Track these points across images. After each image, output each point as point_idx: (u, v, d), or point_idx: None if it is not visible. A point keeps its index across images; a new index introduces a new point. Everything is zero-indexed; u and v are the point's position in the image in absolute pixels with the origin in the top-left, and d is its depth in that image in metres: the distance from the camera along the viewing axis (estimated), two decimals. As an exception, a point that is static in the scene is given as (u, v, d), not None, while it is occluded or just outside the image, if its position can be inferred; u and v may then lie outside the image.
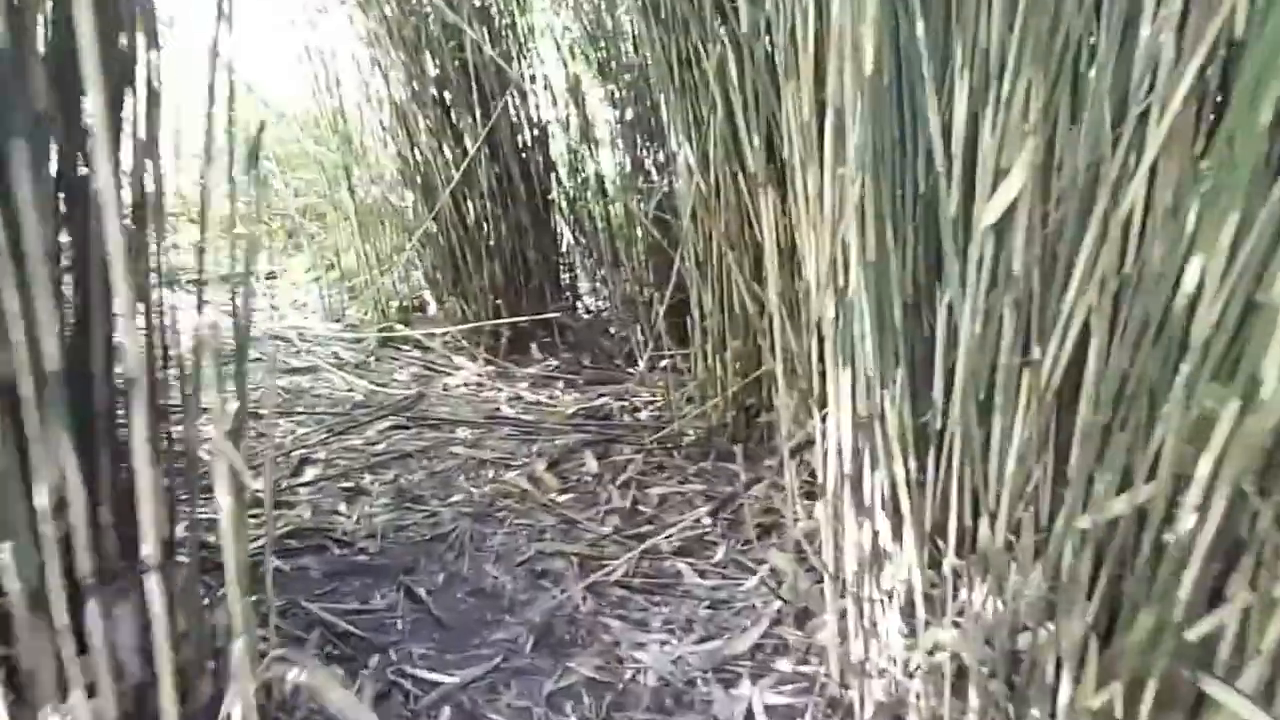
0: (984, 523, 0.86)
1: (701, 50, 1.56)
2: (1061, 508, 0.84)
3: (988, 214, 0.82)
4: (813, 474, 1.44)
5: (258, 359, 2.36)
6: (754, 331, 1.80)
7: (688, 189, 1.81)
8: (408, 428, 1.99)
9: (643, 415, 2.06)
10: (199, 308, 0.87)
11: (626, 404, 2.14)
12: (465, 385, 2.29)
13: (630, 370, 2.39)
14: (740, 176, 1.60)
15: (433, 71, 2.52)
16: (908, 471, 0.87)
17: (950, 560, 0.89)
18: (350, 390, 2.19)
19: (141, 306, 0.88)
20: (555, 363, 2.45)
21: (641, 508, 1.62)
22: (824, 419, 1.09)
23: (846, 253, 0.86)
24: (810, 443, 1.28)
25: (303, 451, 1.84)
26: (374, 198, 2.65)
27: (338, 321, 2.69)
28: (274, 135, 3.26)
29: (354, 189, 2.63)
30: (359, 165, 2.64)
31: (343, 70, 2.67)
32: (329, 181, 2.72)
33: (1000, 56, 0.81)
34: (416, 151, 2.53)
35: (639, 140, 2.70)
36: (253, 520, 1.55)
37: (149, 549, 0.72)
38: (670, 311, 2.40)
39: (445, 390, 2.25)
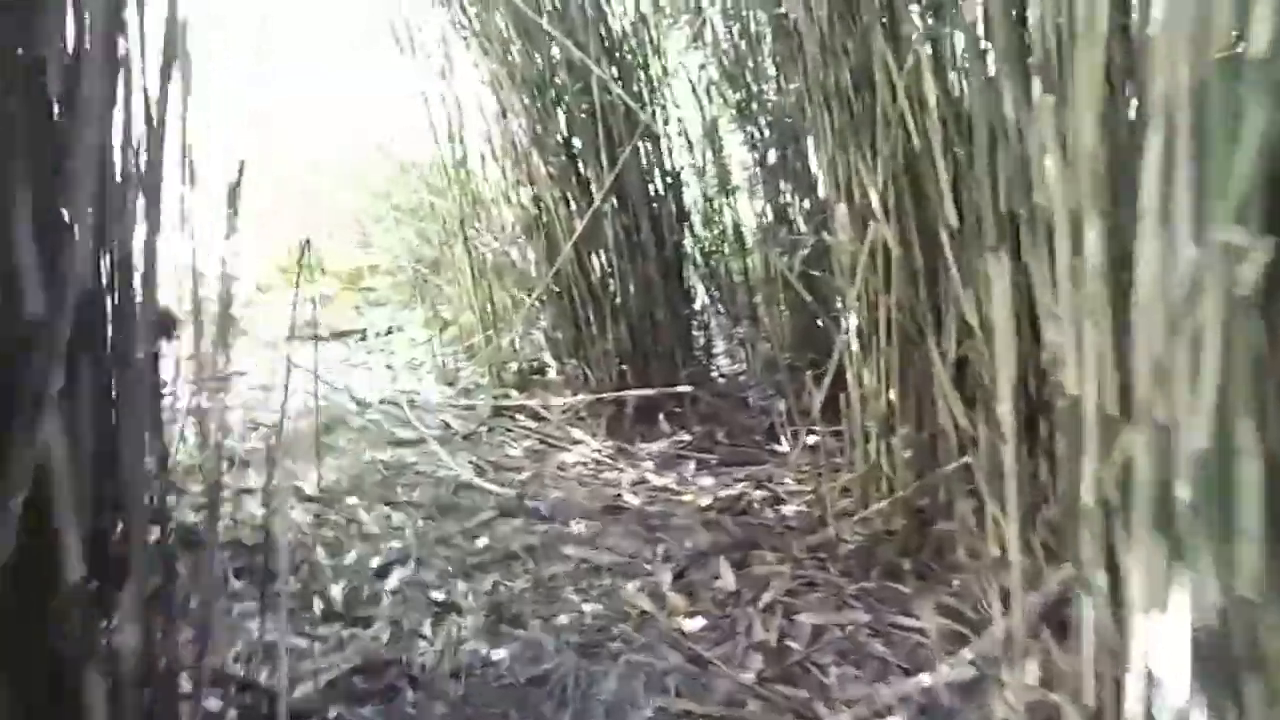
0: None
1: (889, 66, 1.21)
2: None
3: None
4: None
5: (363, 428, 2.13)
6: (930, 416, 1.43)
7: (846, 244, 1.46)
8: (515, 516, 1.69)
9: (788, 510, 1.70)
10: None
11: (768, 493, 1.79)
12: (583, 464, 1.99)
13: (773, 449, 2.04)
14: (930, 230, 1.25)
15: (558, 116, 2.27)
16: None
17: None
18: (456, 469, 1.92)
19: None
20: (686, 437, 2.12)
21: (790, 643, 1.26)
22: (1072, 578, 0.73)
23: (1167, 364, 0.51)
24: (1052, 610, 0.91)
25: (394, 545, 1.56)
26: (493, 251, 2.40)
27: (451, 385, 2.45)
28: (399, 185, 3.09)
29: (470, 242, 2.39)
30: (479, 217, 2.40)
31: (466, 116, 2.46)
32: (447, 234, 2.49)
33: None
34: (538, 202, 2.28)
35: (782, 187, 2.38)
36: (325, 641, 1.28)
37: None
38: (820, 380, 2.05)
39: (561, 470, 1.95)
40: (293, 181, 4.29)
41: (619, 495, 1.81)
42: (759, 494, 1.78)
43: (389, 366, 2.67)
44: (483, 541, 1.59)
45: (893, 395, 1.49)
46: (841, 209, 1.39)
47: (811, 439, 1.94)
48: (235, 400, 2.32)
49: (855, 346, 1.55)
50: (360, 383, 2.51)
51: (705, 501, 1.75)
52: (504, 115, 2.30)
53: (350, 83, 3.05)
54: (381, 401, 2.31)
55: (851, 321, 1.53)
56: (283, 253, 3.99)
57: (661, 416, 2.19)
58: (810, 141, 2.30)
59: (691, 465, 1.97)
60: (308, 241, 1.90)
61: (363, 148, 3.47)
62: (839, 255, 1.53)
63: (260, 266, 3.82)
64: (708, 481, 1.88)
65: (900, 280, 1.36)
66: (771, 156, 2.30)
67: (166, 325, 2.45)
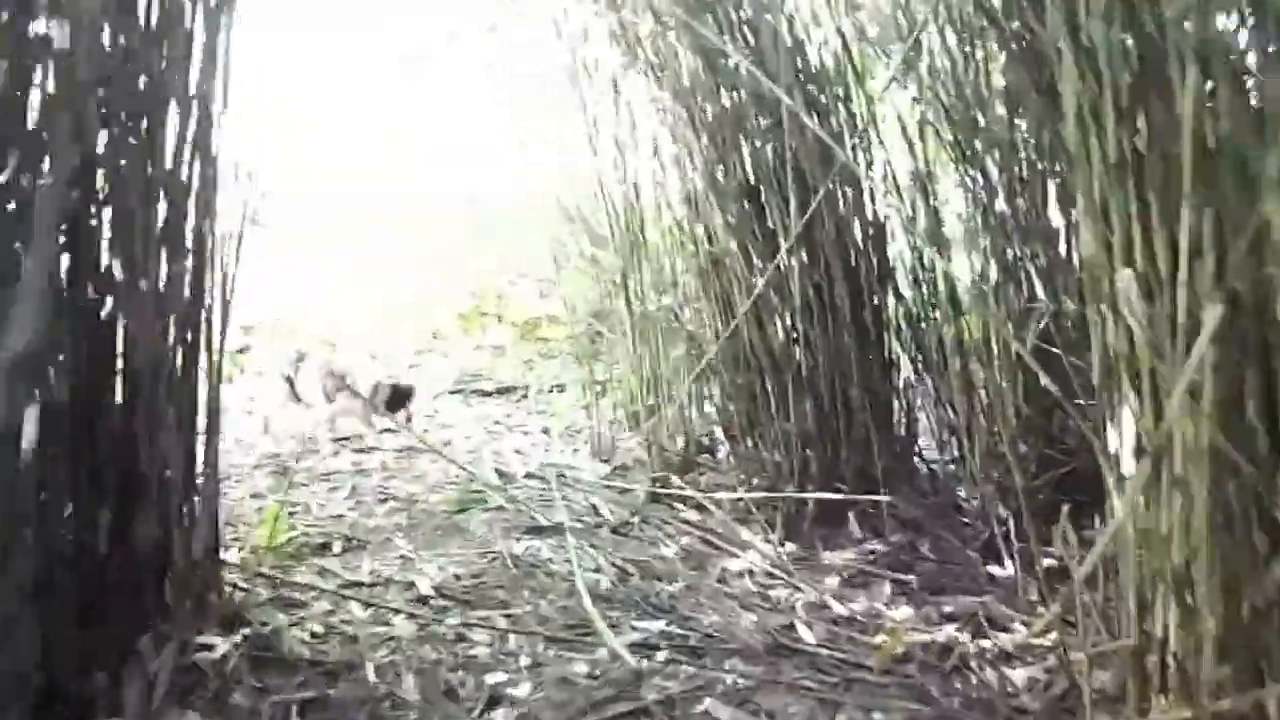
0: None
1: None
2: None
3: None
4: None
5: (500, 509, 1.83)
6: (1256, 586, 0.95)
7: (1135, 322, 1.01)
8: (658, 649, 1.33)
9: (1018, 676, 1.24)
10: None
11: (990, 645, 1.33)
12: (751, 575, 1.60)
13: (993, 573, 1.57)
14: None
15: (740, 157, 1.92)
16: None
17: None
18: (596, 570, 1.57)
19: None
20: (881, 547, 1.69)
21: None
22: None
23: None
24: None
25: (500, 679, 1.23)
26: (660, 310, 2.07)
27: (607, 461, 2.12)
28: (563, 234, 2.83)
29: (631, 300, 2.07)
30: (644, 270, 2.09)
31: (638, 158, 2.16)
32: (612, 290, 2.19)
33: None
34: (713, 255, 1.93)
35: (1011, 240, 1.92)
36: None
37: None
38: (1062, 486, 1.59)
39: (722, 584, 1.56)
40: (482, 227, 4.19)
41: (790, 626, 1.40)
42: (975, 645, 1.33)
43: (545, 431, 2.38)
44: (611, 683, 1.23)
45: (1188, 541, 1.02)
46: (1127, 276, 0.94)
47: (1049, 561, 1.48)
48: (376, 462, 2.10)
49: (1127, 463, 1.09)
50: (510, 449, 2.24)
51: (902, 649, 1.32)
52: (679, 156, 1.99)
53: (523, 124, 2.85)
54: (527, 475, 2.01)
55: (1125, 429, 1.07)
56: (467, 299, 3.86)
57: (851, 517, 1.77)
58: (1050, 185, 1.84)
59: (886, 588, 1.54)
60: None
61: (545, 192, 3.28)
62: (1106, 334, 1.08)
63: (441, 312, 3.69)
64: (906, 614, 1.44)
65: (1218, 382, 0.89)
66: (1000, 203, 1.84)
67: (402, 396, 2.24)
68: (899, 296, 1.98)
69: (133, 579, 1.07)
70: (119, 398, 1.06)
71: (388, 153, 4.24)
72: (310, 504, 1.78)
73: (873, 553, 1.67)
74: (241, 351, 2.86)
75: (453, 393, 2.75)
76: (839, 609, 1.46)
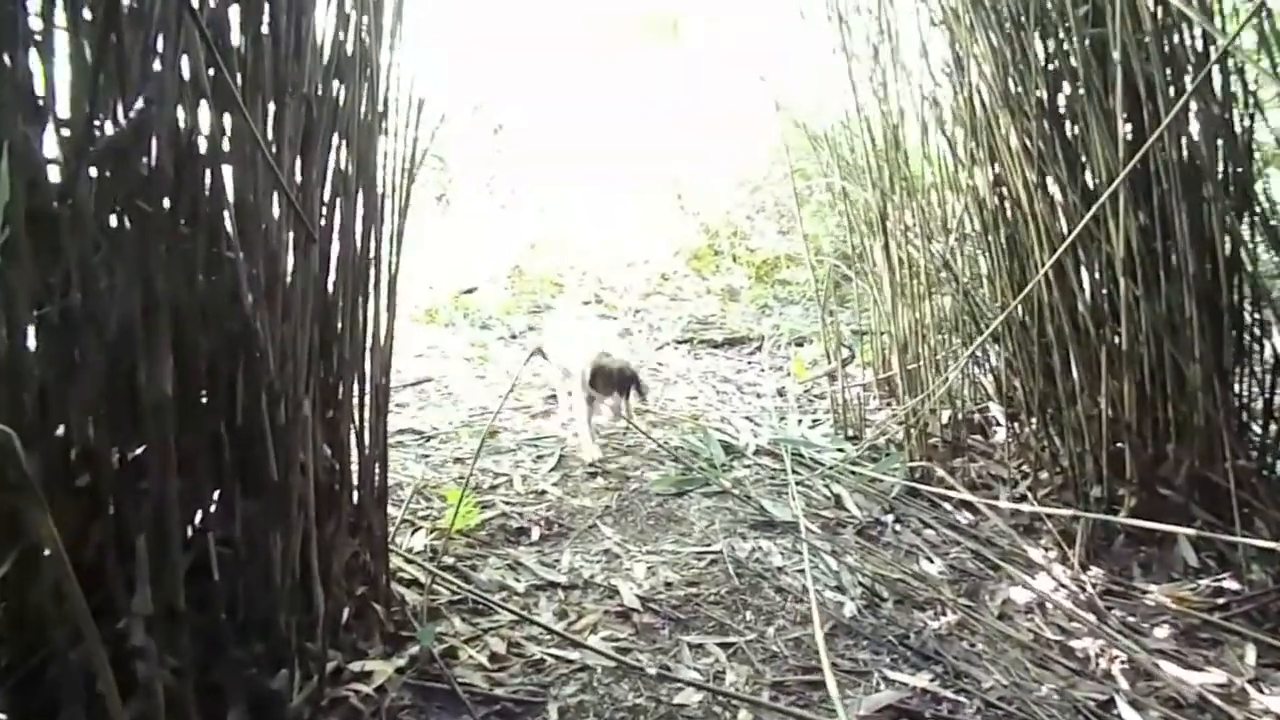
0: None
1: None
2: None
3: None
4: None
5: (724, 495, 1.52)
6: None
7: None
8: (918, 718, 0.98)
9: None
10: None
11: None
12: (1039, 612, 1.20)
13: None
14: None
15: (1042, 60, 1.45)
16: None
17: None
18: (838, 589, 1.23)
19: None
20: (1230, 585, 1.22)
21: None
22: None
23: None
24: None
25: (712, 747, 0.93)
26: (928, 257, 1.65)
27: (853, 439, 1.75)
28: (809, 163, 2.45)
29: (891, 243, 1.66)
30: (910, 208, 1.66)
31: (901, 66, 1.72)
32: (866, 231, 1.79)
33: None
34: (1001, 188, 1.49)
35: None
36: None
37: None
38: None
39: (1003, 621, 1.18)
40: (719, 157, 3.84)
41: (1110, 701, 1.00)
42: None
43: (781, 393, 2.04)
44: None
45: None
46: None
47: None
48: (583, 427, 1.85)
49: None
50: (742, 412, 1.92)
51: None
52: (959, 63, 1.54)
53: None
54: (757, 453, 1.69)
55: None
56: (700, 235, 3.57)
57: (1182, 542, 1.30)
58: None
59: (1249, 654, 1.09)
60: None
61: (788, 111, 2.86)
62: None
63: (671, 249, 3.41)
64: (1287, 704, 1.00)
65: None
66: None
67: (628, 382, 1.77)
68: (1274, 241, 1.44)
69: (269, 597, 0.86)
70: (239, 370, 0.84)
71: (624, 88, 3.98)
72: (514, 476, 1.56)
73: (1219, 592, 1.21)
74: (468, 293, 2.74)
75: (679, 343, 2.46)
76: (1179, 680, 1.03)
